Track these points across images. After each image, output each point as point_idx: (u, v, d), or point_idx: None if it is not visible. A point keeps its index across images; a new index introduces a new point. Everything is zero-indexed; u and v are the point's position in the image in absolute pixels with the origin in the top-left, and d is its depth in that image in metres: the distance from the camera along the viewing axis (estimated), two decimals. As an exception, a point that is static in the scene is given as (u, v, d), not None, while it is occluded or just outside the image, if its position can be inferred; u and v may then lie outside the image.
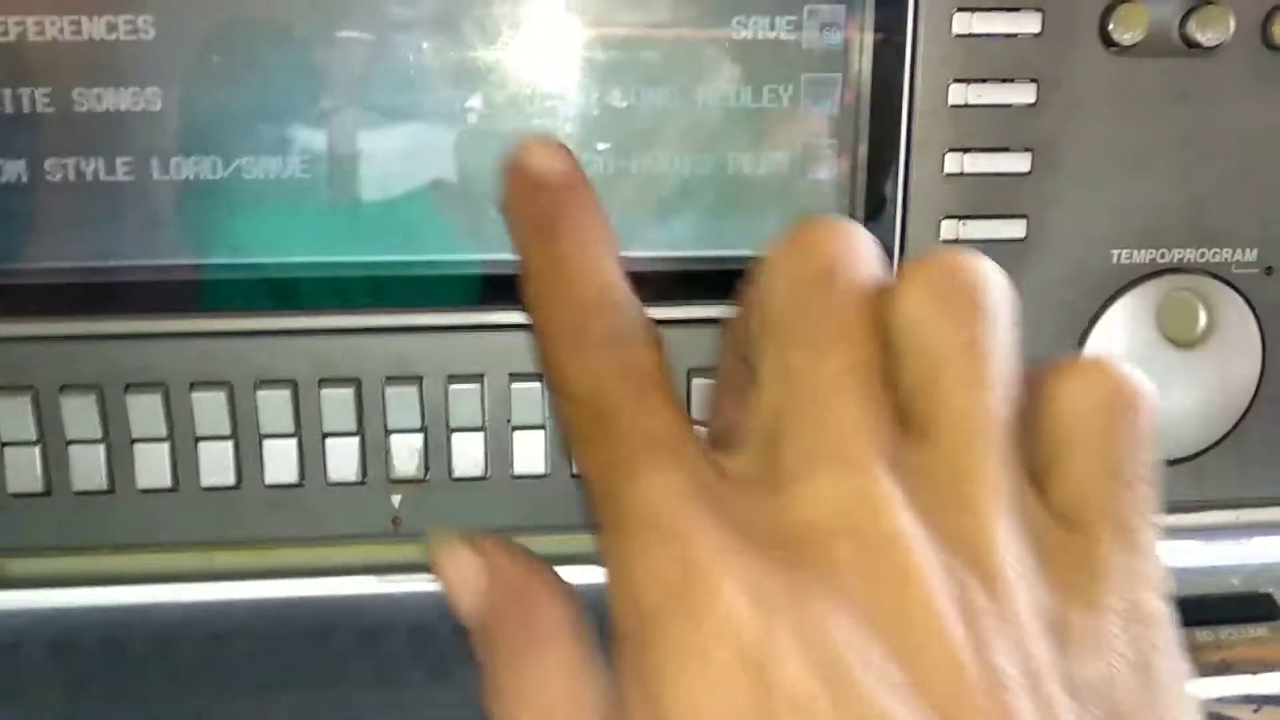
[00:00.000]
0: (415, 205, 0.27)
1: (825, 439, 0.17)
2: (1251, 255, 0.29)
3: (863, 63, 0.26)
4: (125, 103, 0.26)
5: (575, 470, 0.28)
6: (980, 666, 0.15)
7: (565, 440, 0.20)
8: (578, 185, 0.22)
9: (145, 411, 0.27)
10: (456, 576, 0.21)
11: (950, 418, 0.17)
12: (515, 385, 0.28)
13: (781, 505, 0.17)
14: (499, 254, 0.27)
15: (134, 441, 0.27)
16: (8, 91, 0.25)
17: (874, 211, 0.27)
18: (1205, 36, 0.26)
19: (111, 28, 0.25)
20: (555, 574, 0.21)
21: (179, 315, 0.26)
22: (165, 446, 0.27)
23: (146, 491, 0.27)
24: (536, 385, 0.28)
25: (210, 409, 0.27)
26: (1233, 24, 0.27)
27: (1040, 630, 0.16)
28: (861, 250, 0.19)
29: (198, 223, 0.26)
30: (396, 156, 0.26)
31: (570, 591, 0.20)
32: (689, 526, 0.16)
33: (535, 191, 0.22)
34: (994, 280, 0.18)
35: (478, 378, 0.28)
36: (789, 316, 0.18)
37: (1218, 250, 0.29)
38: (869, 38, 0.26)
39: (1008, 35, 0.26)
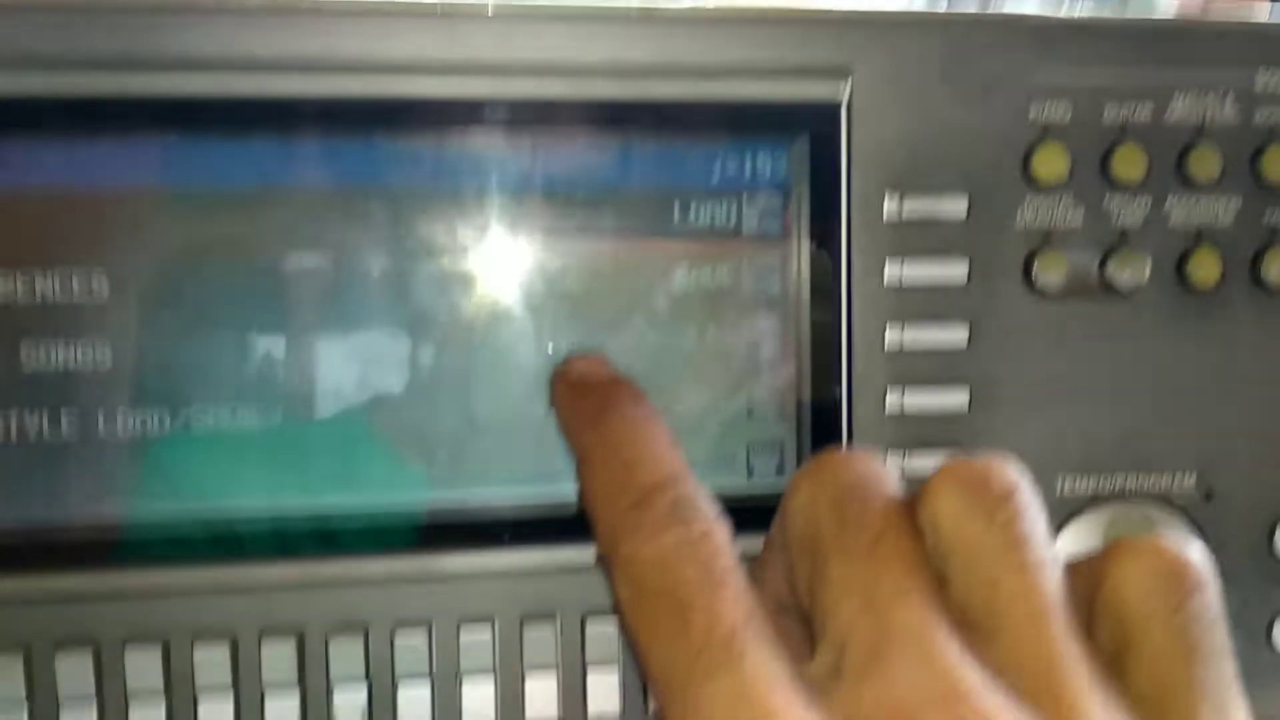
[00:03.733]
0: (366, 449, 0.27)
1: (897, 634, 0.17)
2: (1190, 480, 0.29)
3: (801, 308, 0.27)
4: (74, 359, 0.26)
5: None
6: None
7: (626, 628, 0.19)
8: (622, 381, 0.23)
9: (74, 673, 0.26)
10: None
11: (1008, 606, 0.17)
12: (464, 632, 0.27)
13: (864, 693, 0.16)
14: (446, 493, 0.27)
15: (60, 705, 0.26)
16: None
17: (821, 443, 0.28)
18: (1123, 279, 0.28)
19: (65, 285, 0.25)
20: None
21: (113, 571, 0.26)
22: (93, 708, 0.26)
23: (71, 761, 0.26)
24: (486, 631, 0.27)
25: (144, 668, 0.26)
26: (1148, 267, 0.28)
27: None
28: (881, 468, 0.20)
29: (139, 476, 0.26)
30: (346, 400, 0.26)
31: None
32: None
33: (580, 387, 0.23)
34: (1016, 474, 0.19)
35: (425, 624, 0.27)
36: (831, 531, 0.18)
37: (1157, 476, 0.29)
38: (805, 285, 0.27)
39: (938, 282, 0.27)
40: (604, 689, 0.27)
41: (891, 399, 0.28)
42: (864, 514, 0.19)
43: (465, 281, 0.26)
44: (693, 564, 0.18)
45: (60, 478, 0.26)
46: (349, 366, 0.26)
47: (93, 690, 0.26)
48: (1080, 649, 0.17)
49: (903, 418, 0.28)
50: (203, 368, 0.26)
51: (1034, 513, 0.18)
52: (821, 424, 0.28)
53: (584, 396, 0.23)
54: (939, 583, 0.18)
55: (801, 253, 0.27)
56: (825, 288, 0.27)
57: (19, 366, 0.25)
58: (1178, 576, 0.18)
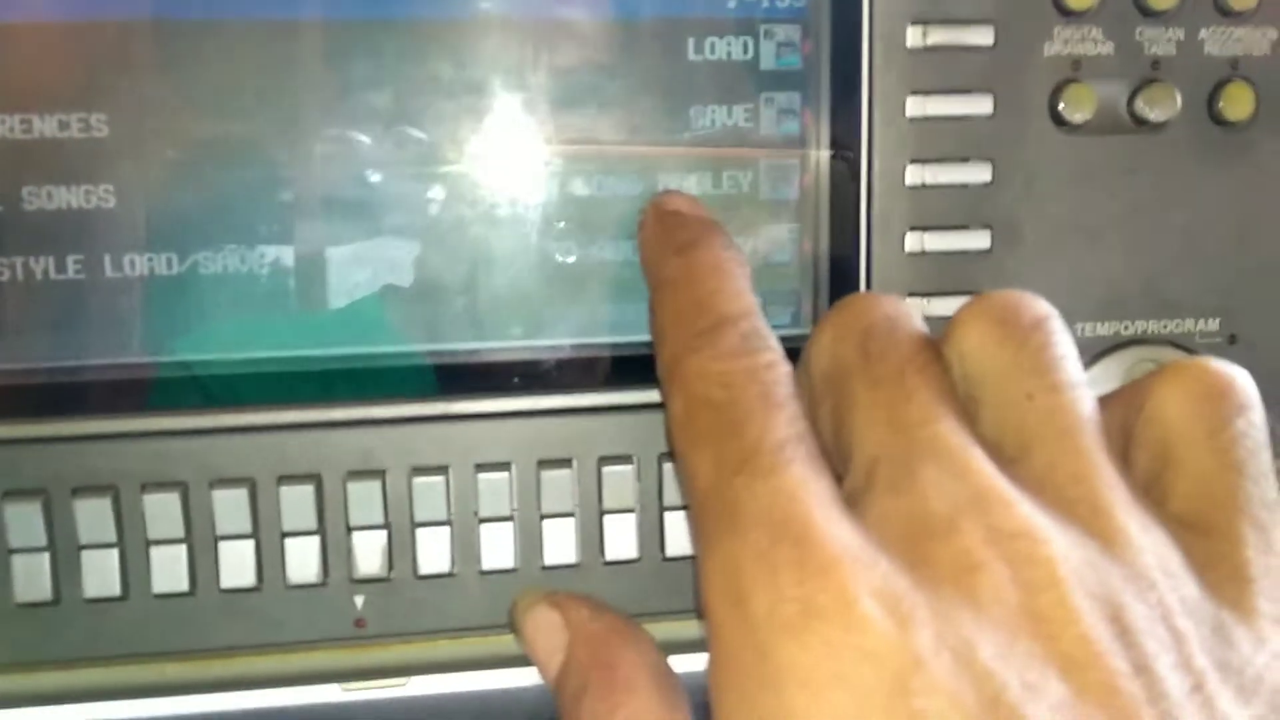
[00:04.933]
0: (375, 298, 0.26)
1: (927, 449, 0.17)
2: (1214, 324, 0.29)
3: (820, 148, 0.26)
4: (77, 200, 0.25)
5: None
6: (1141, 681, 0.14)
7: (674, 440, 0.19)
8: (712, 219, 0.24)
9: (93, 516, 0.26)
10: (537, 635, 0.21)
11: (1041, 423, 0.17)
12: (481, 476, 0.27)
13: (897, 505, 0.16)
14: (459, 344, 0.27)
15: (81, 548, 0.26)
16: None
17: (838, 291, 0.27)
18: (1153, 113, 0.27)
19: (64, 126, 0.25)
20: (638, 628, 0.21)
21: (129, 415, 0.26)
22: (114, 552, 0.26)
23: (93, 601, 0.26)
24: (504, 475, 0.27)
25: (163, 511, 0.26)
26: (1179, 100, 0.27)
27: (1199, 636, 0.15)
28: (904, 308, 0.20)
29: (150, 320, 0.26)
30: (356, 250, 0.26)
31: (653, 646, 0.20)
32: (814, 526, 0.15)
33: (675, 217, 0.23)
34: (1042, 303, 0.19)
35: (442, 470, 0.27)
36: (857, 364, 0.18)
37: (1180, 320, 0.29)
38: (825, 124, 0.26)
39: (961, 117, 0.27)
40: (621, 534, 0.27)
41: (911, 241, 0.27)
42: (890, 346, 0.18)
43: (475, 118, 0.26)
44: (755, 385, 0.18)
45: (72, 321, 0.25)
46: (359, 212, 0.26)
47: (113, 535, 0.26)
48: (1115, 468, 0.17)
49: (923, 261, 0.27)
50: (208, 209, 0.25)
51: (1065, 340, 0.18)
52: (840, 270, 0.27)
53: (677, 227, 0.23)
54: (968, 414, 0.18)
55: (821, 89, 0.26)
56: (845, 125, 0.26)
57: (21, 209, 0.25)
58: (1222, 396, 0.18)
